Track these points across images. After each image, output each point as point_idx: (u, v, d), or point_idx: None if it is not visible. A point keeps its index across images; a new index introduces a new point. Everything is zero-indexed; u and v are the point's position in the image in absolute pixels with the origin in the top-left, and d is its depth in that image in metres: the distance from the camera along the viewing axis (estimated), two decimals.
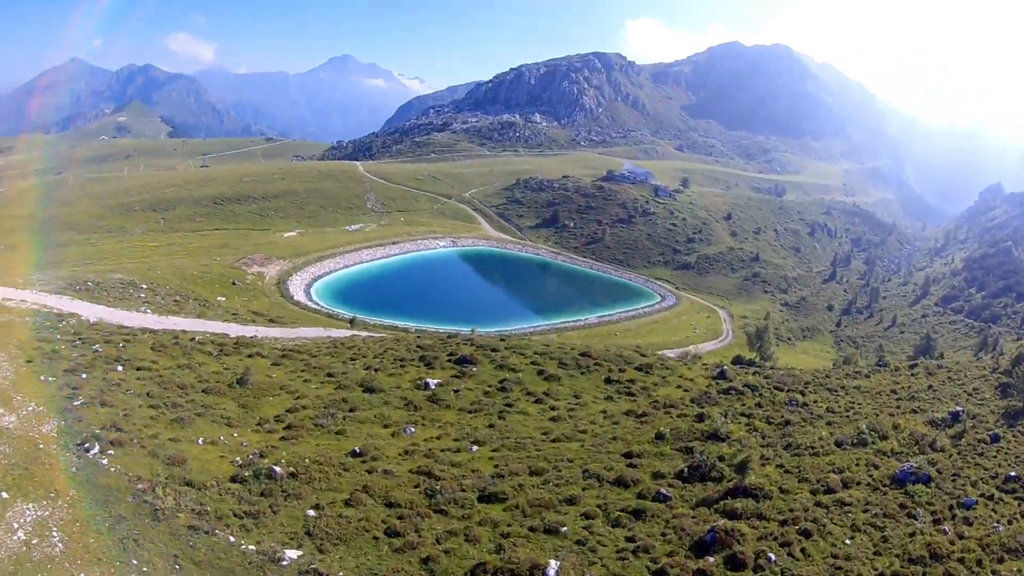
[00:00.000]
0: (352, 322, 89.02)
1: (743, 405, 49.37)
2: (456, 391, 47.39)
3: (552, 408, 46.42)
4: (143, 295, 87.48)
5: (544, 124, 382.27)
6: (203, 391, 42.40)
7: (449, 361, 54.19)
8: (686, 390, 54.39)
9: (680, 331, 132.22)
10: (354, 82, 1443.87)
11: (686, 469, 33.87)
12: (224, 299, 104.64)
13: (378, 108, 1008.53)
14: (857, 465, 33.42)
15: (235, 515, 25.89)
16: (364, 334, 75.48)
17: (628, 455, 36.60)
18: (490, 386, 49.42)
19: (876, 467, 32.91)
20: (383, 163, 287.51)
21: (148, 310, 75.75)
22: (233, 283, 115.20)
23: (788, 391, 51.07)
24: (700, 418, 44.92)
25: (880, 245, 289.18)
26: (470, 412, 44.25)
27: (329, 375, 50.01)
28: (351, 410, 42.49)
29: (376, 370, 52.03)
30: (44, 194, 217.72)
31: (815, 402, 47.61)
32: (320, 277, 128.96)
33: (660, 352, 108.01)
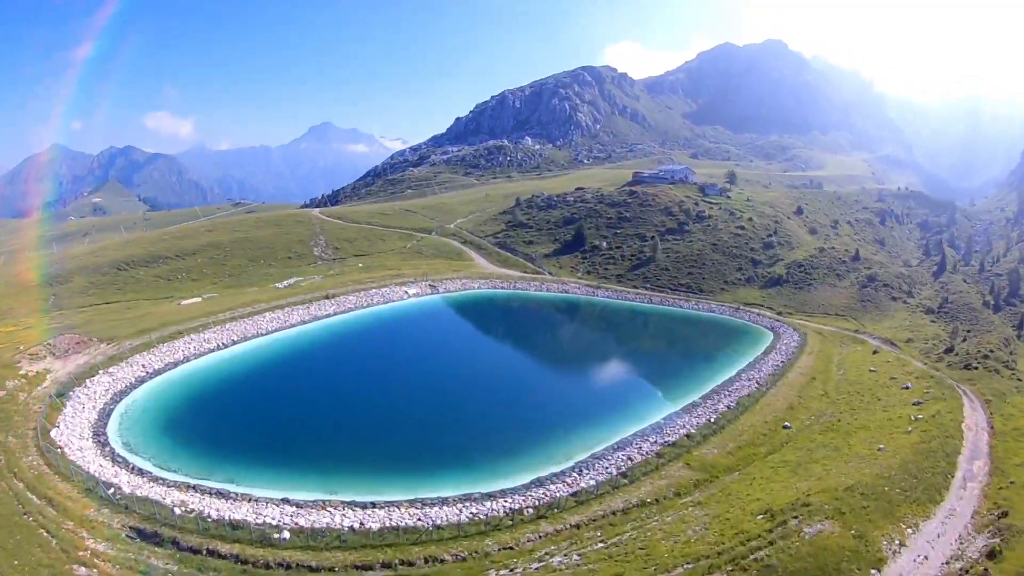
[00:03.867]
0: None
1: None
2: None
3: None
4: None
5: (538, 146, 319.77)
6: None
7: None
8: None
9: (884, 396, 64.31)
10: (336, 149, 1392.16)
11: None
12: None
13: (361, 170, 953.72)
14: None
15: None
16: None
17: None
18: None
19: None
20: (347, 206, 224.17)
21: None
22: None
23: None
24: None
25: (950, 226, 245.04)
26: None
27: None
28: None
29: None
30: None
31: None
32: (160, 372, 62.92)
33: None
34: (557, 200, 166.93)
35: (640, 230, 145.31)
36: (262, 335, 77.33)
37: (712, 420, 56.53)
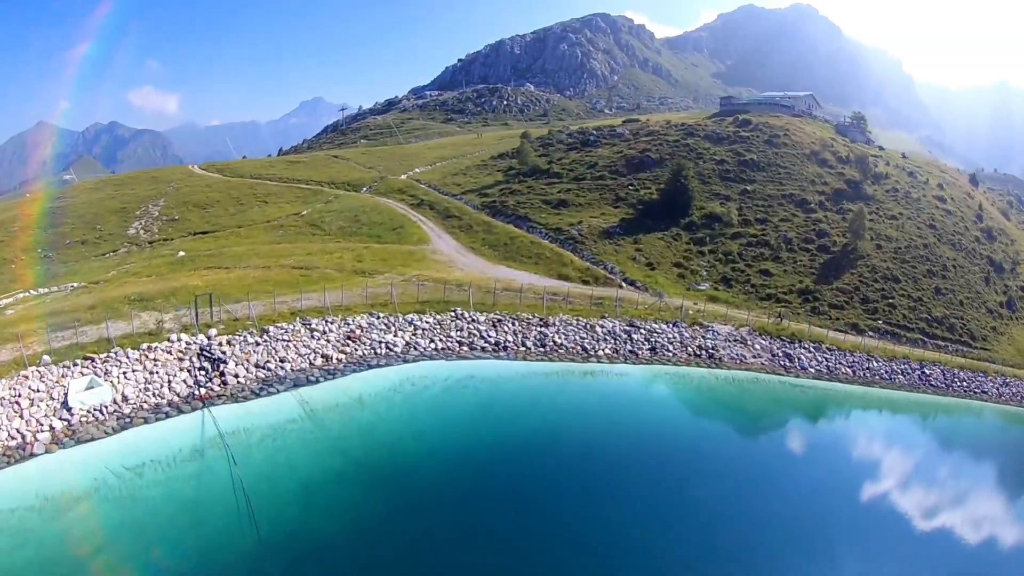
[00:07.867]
0: None
1: None
2: None
3: None
4: None
5: (543, 94, 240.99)
6: None
7: None
8: None
9: None
10: (326, 123, 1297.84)
11: None
12: None
13: None
14: None
15: None
16: None
17: None
18: None
19: None
20: (259, 159, 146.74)
21: None
22: None
23: None
24: None
25: None
26: None
27: None
28: None
29: None
30: None
31: None
32: None
33: None
34: (600, 134, 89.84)
35: (786, 188, 68.67)
36: None
37: None
